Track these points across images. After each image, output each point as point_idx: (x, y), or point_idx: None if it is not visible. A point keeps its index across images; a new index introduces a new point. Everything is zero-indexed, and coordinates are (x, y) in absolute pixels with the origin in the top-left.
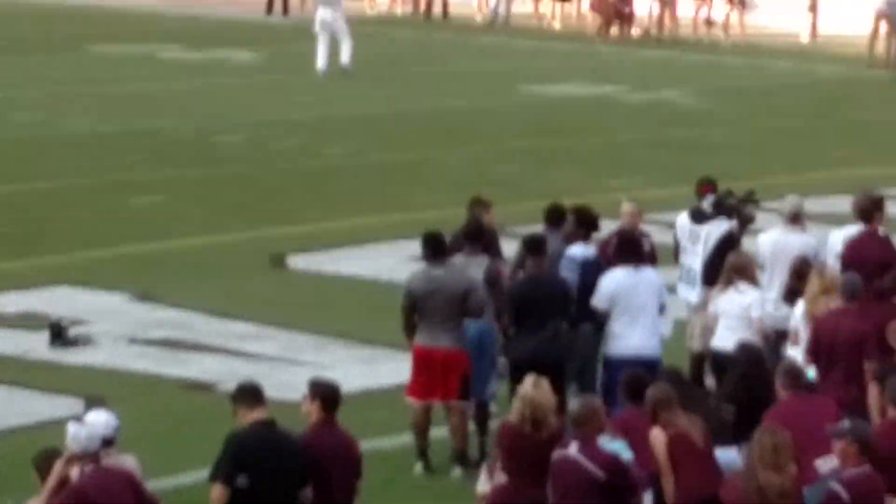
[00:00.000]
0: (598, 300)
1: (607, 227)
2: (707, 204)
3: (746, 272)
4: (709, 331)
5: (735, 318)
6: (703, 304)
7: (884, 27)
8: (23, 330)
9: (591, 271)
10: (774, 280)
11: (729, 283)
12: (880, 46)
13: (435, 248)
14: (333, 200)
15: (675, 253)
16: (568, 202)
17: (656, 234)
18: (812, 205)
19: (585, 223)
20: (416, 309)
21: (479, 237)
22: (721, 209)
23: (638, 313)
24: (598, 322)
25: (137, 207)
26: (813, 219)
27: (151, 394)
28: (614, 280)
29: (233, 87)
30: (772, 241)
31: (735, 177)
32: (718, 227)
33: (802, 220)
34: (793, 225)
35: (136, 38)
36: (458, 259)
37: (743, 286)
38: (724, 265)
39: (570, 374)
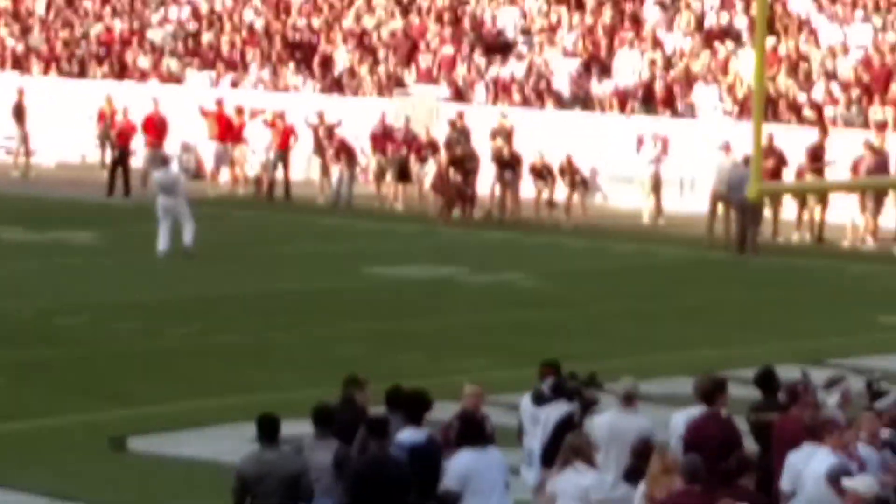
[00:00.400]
0: (450, 481)
1: (450, 410)
2: (546, 387)
3: (584, 453)
4: None
5: (571, 498)
6: (541, 486)
7: (720, 208)
8: None
9: (420, 456)
10: (610, 462)
11: (566, 463)
12: (719, 228)
13: (268, 431)
14: (174, 382)
15: (519, 435)
16: (410, 384)
17: (499, 416)
18: (653, 387)
19: (415, 407)
20: (247, 492)
21: (328, 420)
22: (561, 392)
23: (489, 493)
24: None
25: None
26: (654, 400)
27: None
28: (464, 461)
29: (74, 269)
30: (607, 423)
31: (577, 359)
32: (558, 410)
33: (636, 401)
34: (627, 407)
35: None
36: (307, 441)
37: (580, 466)
38: (562, 446)
39: None
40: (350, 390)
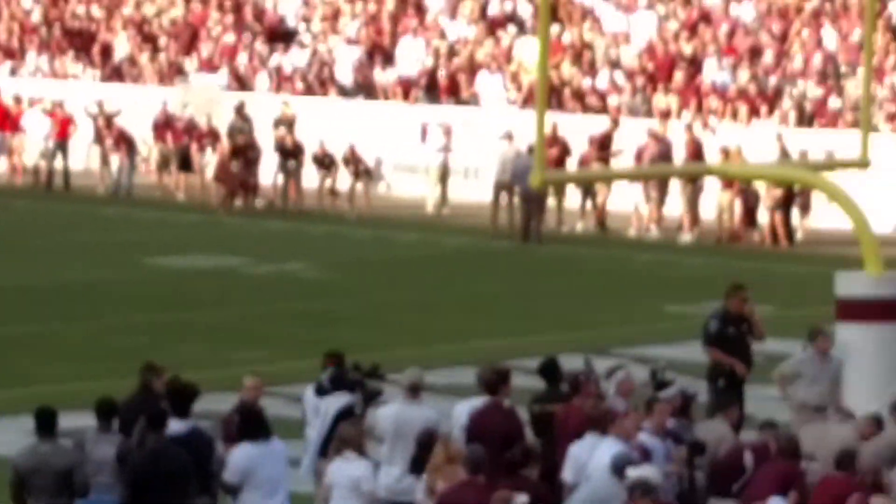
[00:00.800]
0: (231, 475)
1: (232, 401)
2: (327, 378)
3: (354, 442)
4: (325, 502)
5: (344, 487)
6: (320, 476)
7: (504, 198)
8: None
9: (184, 447)
10: (396, 453)
11: (338, 453)
12: (503, 217)
13: (44, 423)
14: None
15: (303, 426)
16: (191, 376)
17: (282, 408)
18: (437, 377)
19: (179, 398)
20: (24, 485)
21: (111, 414)
22: (341, 383)
23: (272, 487)
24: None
25: None
26: (438, 391)
27: None
28: (246, 455)
29: None
30: (393, 414)
31: (361, 349)
32: (338, 401)
33: (421, 392)
34: (412, 398)
35: None
36: (89, 435)
37: (350, 455)
38: (335, 436)
39: None
40: (147, 377)
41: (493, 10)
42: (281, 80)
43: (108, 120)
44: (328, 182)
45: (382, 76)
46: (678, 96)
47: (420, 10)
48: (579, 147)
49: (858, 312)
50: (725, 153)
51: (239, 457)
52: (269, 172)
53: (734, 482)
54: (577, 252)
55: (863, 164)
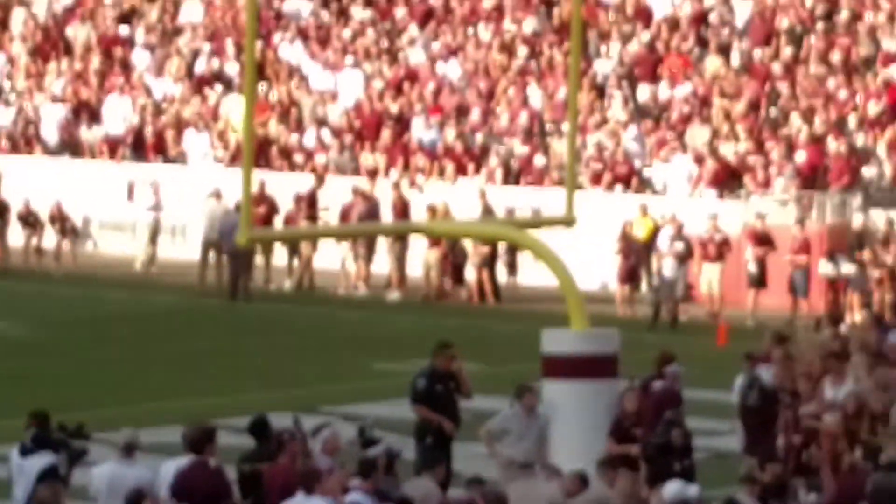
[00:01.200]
0: None
1: None
2: (29, 438)
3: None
4: None
5: None
6: None
7: (212, 255)
8: None
9: None
10: None
11: None
12: (211, 275)
13: None
14: None
15: (10, 486)
16: None
17: None
18: (146, 436)
19: None
20: None
21: None
22: (44, 443)
23: None
24: None
25: None
26: (147, 450)
27: None
28: None
29: None
30: (107, 474)
31: (69, 409)
32: (40, 461)
33: (135, 452)
34: (126, 458)
35: None
36: None
37: None
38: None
39: None
40: None
41: (200, 67)
42: None
43: None
44: (34, 240)
45: (89, 134)
46: (385, 154)
47: (126, 68)
48: (287, 205)
49: (564, 369)
50: (432, 211)
51: None
52: None
53: None
54: (284, 310)
55: (568, 221)
